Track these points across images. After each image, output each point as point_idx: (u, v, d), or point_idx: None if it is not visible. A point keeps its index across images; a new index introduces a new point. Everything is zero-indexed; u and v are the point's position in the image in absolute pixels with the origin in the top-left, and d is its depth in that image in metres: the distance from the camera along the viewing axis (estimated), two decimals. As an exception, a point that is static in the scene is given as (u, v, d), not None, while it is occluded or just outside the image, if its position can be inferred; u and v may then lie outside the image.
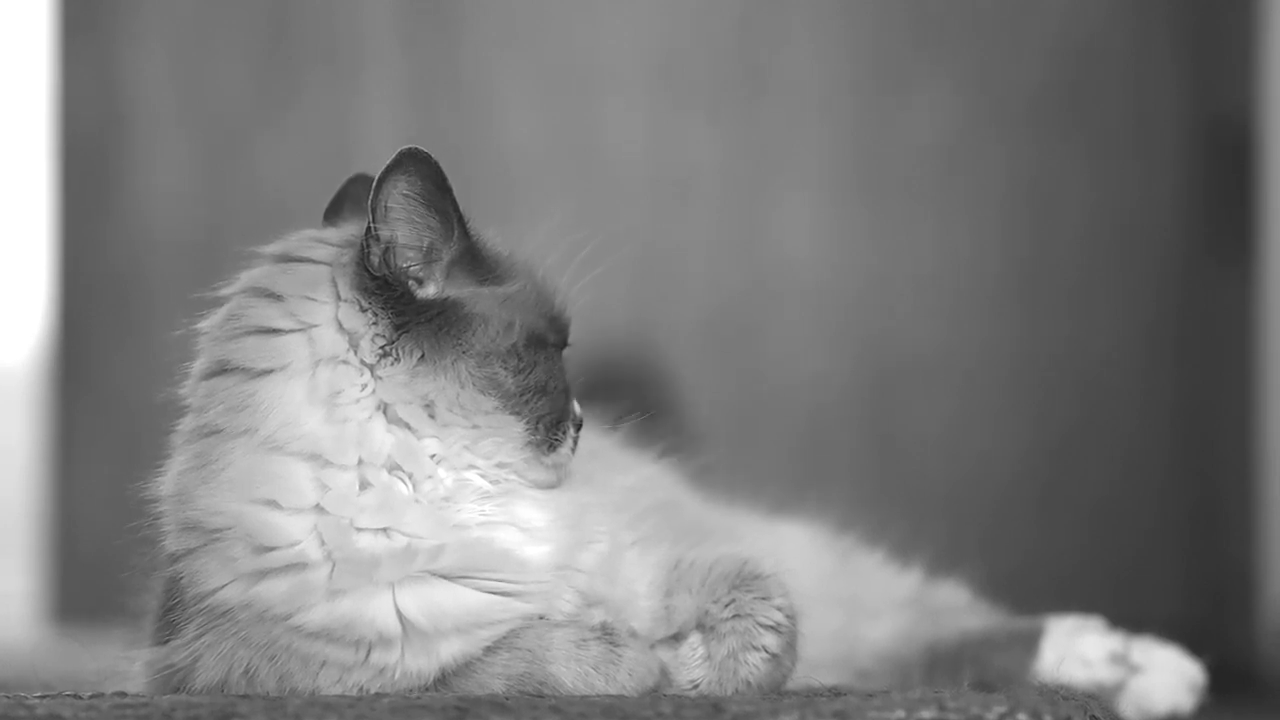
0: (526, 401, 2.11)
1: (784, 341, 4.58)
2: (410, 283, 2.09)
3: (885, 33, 4.59)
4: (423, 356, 2.08)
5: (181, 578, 2.09)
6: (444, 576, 2.06)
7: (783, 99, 4.60)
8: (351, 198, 2.27)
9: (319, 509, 2.05)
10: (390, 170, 2.06)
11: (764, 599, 2.14)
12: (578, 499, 2.15)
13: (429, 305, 2.09)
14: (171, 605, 2.11)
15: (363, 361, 2.08)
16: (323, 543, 2.04)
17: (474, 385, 2.09)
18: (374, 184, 2.07)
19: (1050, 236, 4.55)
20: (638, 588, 2.18)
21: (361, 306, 2.09)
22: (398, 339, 2.08)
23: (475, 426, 2.09)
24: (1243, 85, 4.45)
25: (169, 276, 4.62)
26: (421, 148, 2.06)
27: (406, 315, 2.09)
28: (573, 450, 2.14)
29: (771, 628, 2.13)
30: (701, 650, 2.13)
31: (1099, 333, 4.54)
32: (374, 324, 2.09)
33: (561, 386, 2.14)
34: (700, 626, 2.14)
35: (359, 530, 2.05)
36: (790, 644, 2.13)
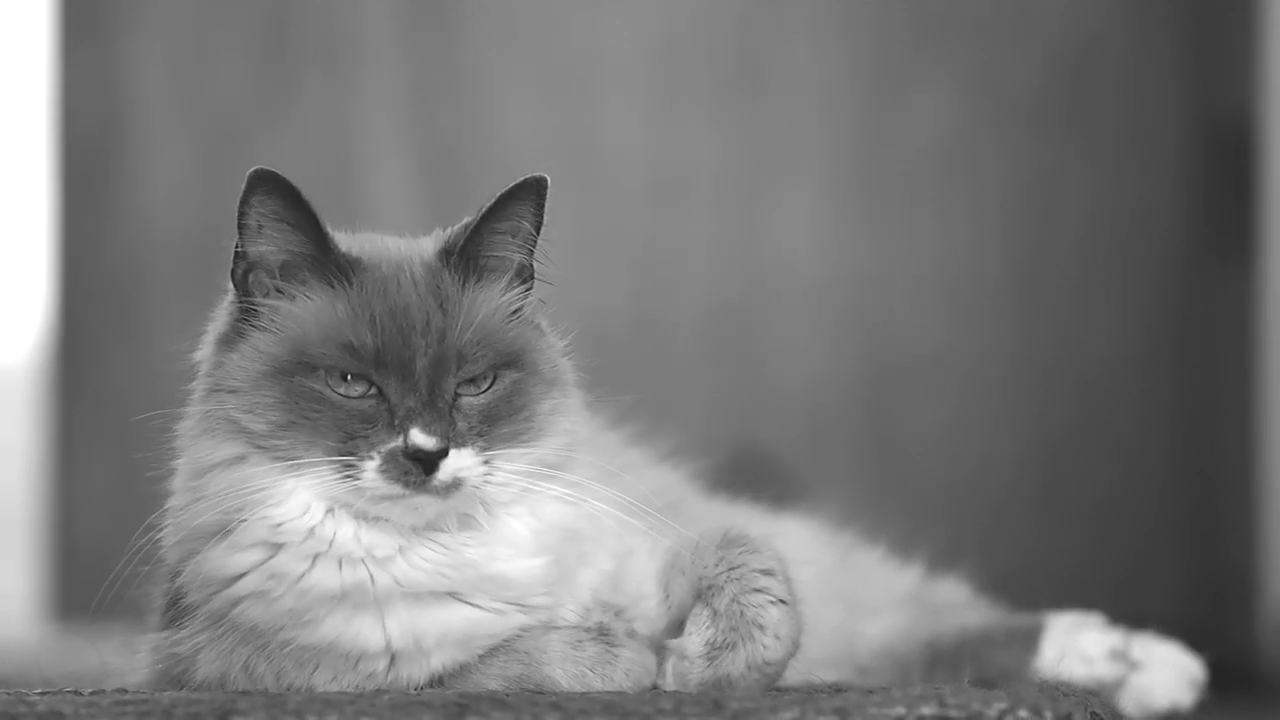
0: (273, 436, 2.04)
1: (783, 340, 4.58)
2: (255, 304, 2.07)
3: (885, 32, 4.59)
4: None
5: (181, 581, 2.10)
6: (431, 594, 2.05)
7: (782, 98, 4.60)
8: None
9: (271, 544, 2.04)
10: (245, 190, 2.04)
11: (754, 552, 2.13)
12: (566, 523, 2.11)
13: (250, 330, 2.08)
14: (178, 595, 2.11)
15: (199, 382, 2.10)
16: (282, 576, 2.04)
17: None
18: (238, 206, 2.05)
19: (1050, 236, 4.55)
20: (646, 588, 2.17)
21: (217, 326, 2.11)
22: (214, 361, 2.09)
23: (292, 461, 2.04)
24: (1243, 84, 4.45)
25: (168, 275, 4.62)
26: (269, 168, 2.04)
27: (233, 340, 2.08)
28: (404, 484, 2.01)
29: (767, 572, 2.11)
30: (706, 611, 2.10)
31: (1099, 332, 4.54)
32: (211, 345, 2.11)
33: (336, 416, 2.03)
34: (699, 596, 2.12)
35: (314, 563, 2.04)
36: (792, 591, 2.11)
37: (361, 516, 2.03)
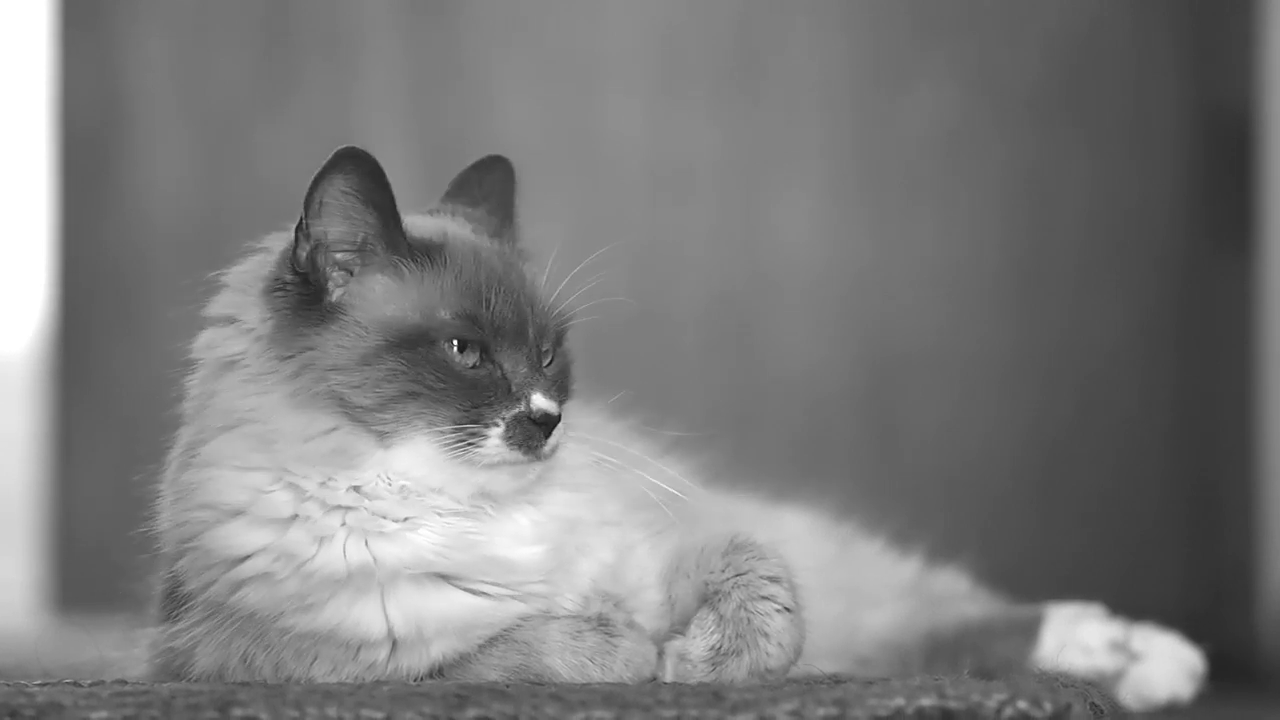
0: (382, 409, 2.03)
1: (784, 332, 4.58)
2: (328, 283, 2.06)
3: (885, 24, 4.58)
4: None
5: (179, 569, 2.09)
6: (431, 580, 2.05)
7: (783, 90, 4.60)
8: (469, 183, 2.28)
9: (281, 521, 2.04)
10: (328, 168, 2.04)
11: (760, 559, 2.13)
12: (565, 512, 2.12)
13: (332, 308, 2.06)
14: (175, 588, 2.11)
15: (265, 363, 2.07)
16: (290, 557, 2.03)
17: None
18: (311, 181, 2.05)
19: (1050, 228, 4.55)
20: (648, 580, 2.17)
21: (274, 307, 2.08)
22: (293, 341, 2.07)
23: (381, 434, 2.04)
24: (1242, 75, 4.44)
25: (168, 267, 4.62)
26: (359, 147, 2.05)
27: (310, 318, 2.06)
28: (524, 450, 2.05)
29: (773, 579, 2.11)
30: (712, 616, 2.10)
31: (1099, 324, 4.53)
32: (275, 325, 2.08)
33: (459, 386, 2.05)
34: (704, 600, 2.12)
35: (322, 544, 2.04)
36: (797, 599, 2.12)
37: (457, 485, 2.04)
